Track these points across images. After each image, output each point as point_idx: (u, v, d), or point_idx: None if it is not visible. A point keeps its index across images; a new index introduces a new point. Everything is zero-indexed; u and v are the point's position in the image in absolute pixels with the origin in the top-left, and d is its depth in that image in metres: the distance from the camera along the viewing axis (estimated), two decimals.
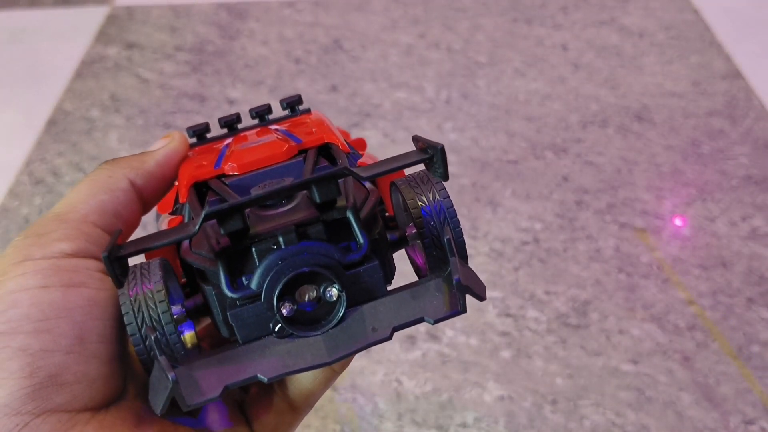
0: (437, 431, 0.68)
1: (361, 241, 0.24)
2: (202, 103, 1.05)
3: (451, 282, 0.23)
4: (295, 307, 0.23)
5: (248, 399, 0.29)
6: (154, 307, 0.23)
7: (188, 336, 0.25)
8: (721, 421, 0.68)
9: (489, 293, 0.79)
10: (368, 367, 0.73)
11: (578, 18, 1.19)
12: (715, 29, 1.14)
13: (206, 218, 0.22)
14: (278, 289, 0.23)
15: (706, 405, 0.69)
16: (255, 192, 0.24)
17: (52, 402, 0.23)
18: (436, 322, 0.23)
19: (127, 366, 0.26)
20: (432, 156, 0.24)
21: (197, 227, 0.23)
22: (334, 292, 0.23)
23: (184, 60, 1.14)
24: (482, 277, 0.81)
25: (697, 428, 0.68)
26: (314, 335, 0.23)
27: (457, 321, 0.77)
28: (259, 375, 0.22)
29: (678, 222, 0.86)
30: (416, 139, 0.25)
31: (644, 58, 1.10)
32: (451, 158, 0.95)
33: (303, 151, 0.27)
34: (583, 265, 0.81)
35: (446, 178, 0.24)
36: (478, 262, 0.82)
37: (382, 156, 0.26)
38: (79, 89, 1.10)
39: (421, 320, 0.23)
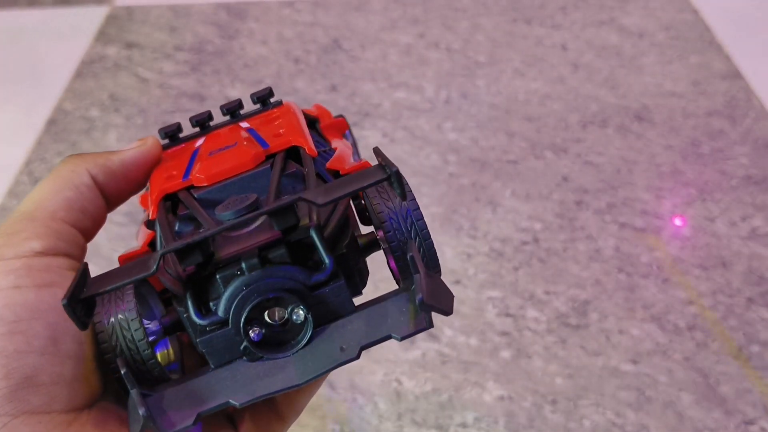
0: (437, 431, 0.68)
1: (326, 261, 0.24)
2: (202, 103, 1.05)
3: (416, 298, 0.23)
4: (263, 331, 0.23)
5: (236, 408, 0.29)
6: (130, 335, 0.23)
7: (164, 354, 0.25)
8: (722, 422, 0.68)
9: (489, 293, 0.79)
10: (367, 367, 0.73)
11: (578, 18, 1.19)
12: (714, 29, 1.14)
13: (163, 257, 0.22)
14: (244, 315, 0.23)
15: (706, 405, 0.69)
16: (220, 212, 0.24)
17: (30, 404, 0.23)
18: (402, 339, 0.23)
19: (106, 365, 0.26)
20: (389, 176, 0.24)
21: (155, 266, 0.22)
22: (300, 314, 0.23)
23: (183, 60, 1.14)
24: (482, 277, 0.81)
25: (697, 428, 0.68)
26: (283, 357, 0.24)
27: (457, 321, 0.77)
28: (231, 400, 0.23)
29: (678, 222, 0.86)
30: (377, 153, 0.25)
31: (644, 58, 1.10)
32: (450, 158, 0.95)
33: (271, 156, 0.27)
34: (582, 265, 0.81)
35: (404, 198, 0.24)
36: (478, 262, 0.82)
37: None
38: (79, 89, 1.10)
39: (388, 337, 0.23)
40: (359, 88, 1.06)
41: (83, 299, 0.22)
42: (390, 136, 0.98)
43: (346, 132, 0.35)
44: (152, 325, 0.25)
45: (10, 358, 0.23)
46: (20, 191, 0.95)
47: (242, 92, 1.07)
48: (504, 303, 0.78)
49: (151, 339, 0.24)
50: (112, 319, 0.24)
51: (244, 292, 0.23)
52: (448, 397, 0.71)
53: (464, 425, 0.68)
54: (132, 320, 0.23)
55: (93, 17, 1.24)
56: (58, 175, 0.27)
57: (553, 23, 1.18)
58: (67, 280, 0.25)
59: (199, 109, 1.04)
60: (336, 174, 0.28)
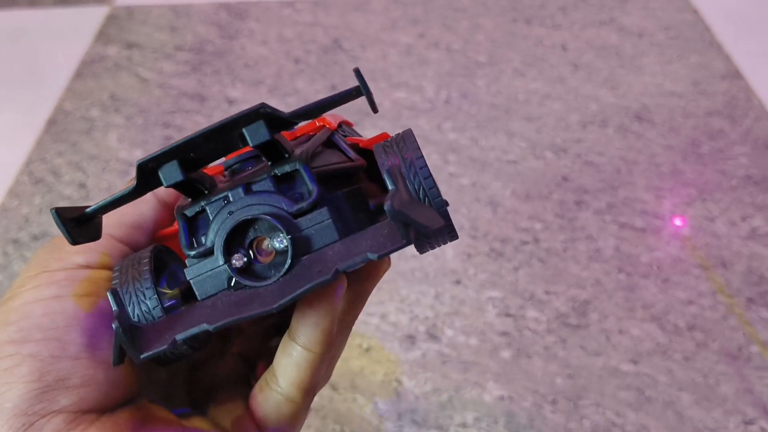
0: (437, 431, 0.68)
1: (311, 187, 0.24)
2: (202, 103, 1.05)
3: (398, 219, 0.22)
4: (246, 258, 0.24)
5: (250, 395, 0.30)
6: (138, 277, 0.25)
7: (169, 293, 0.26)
8: (722, 422, 0.68)
9: (489, 293, 0.79)
10: (368, 367, 0.73)
11: (577, 18, 1.19)
12: (714, 29, 1.14)
13: (140, 166, 0.23)
14: (224, 238, 0.24)
15: (706, 405, 0.69)
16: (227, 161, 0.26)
17: (58, 404, 0.24)
18: (380, 257, 0.22)
19: (149, 372, 0.28)
20: (357, 88, 0.24)
21: (136, 179, 0.24)
22: (282, 240, 0.24)
23: (183, 60, 1.14)
24: (482, 277, 0.81)
25: (697, 428, 0.68)
26: (266, 285, 0.23)
27: (457, 321, 0.77)
28: (204, 324, 0.23)
29: (678, 222, 0.86)
30: (356, 71, 0.25)
31: (644, 58, 1.10)
32: (450, 158, 0.95)
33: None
34: (582, 265, 0.81)
35: (374, 110, 0.24)
36: (478, 262, 0.82)
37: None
38: (79, 89, 1.10)
39: (366, 259, 0.22)
40: None
41: (76, 217, 0.24)
42: None
43: None
44: (174, 292, 0.26)
45: (45, 362, 0.24)
46: (20, 191, 0.95)
47: (243, 92, 1.07)
48: (504, 303, 0.78)
49: (172, 303, 0.25)
50: (128, 279, 0.25)
51: (227, 218, 0.24)
52: (448, 397, 0.71)
53: (464, 425, 0.69)
54: (145, 279, 0.24)
55: (93, 17, 1.24)
56: None
57: (553, 23, 1.18)
58: (106, 291, 0.26)
59: (200, 109, 1.04)
60: (356, 147, 0.29)
